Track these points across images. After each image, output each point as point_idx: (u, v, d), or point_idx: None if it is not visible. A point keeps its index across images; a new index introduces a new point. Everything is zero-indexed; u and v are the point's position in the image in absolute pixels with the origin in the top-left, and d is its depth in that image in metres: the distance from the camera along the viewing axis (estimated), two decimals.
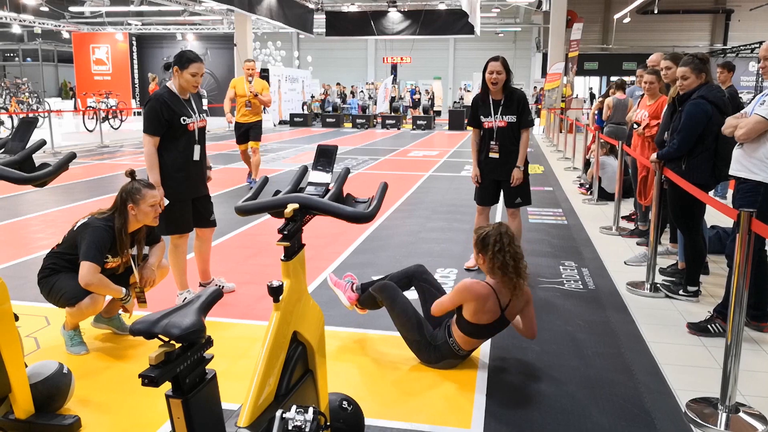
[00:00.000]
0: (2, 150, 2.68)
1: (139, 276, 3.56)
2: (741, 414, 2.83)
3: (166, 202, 3.88)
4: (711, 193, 5.01)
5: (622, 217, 6.76)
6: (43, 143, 2.85)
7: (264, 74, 23.04)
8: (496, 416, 2.83)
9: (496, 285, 3.19)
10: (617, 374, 3.26)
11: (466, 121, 21.31)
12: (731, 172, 3.73)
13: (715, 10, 32.12)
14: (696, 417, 2.83)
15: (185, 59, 3.86)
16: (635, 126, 5.82)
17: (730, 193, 7.23)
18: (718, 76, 7.03)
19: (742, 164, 3.62)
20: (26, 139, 2.72)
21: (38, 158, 2.70)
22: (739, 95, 7.40)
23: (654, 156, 4.56)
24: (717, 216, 5.78)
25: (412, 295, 3.55)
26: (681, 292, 4.45)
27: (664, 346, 3.64)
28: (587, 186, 9.18)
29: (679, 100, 4.39)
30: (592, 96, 31.17)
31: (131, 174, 3.45)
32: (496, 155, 4.77)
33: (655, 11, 26.83)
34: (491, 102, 4.75)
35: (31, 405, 2.60)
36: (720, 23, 32.40)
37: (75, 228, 3.41)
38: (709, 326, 3.82)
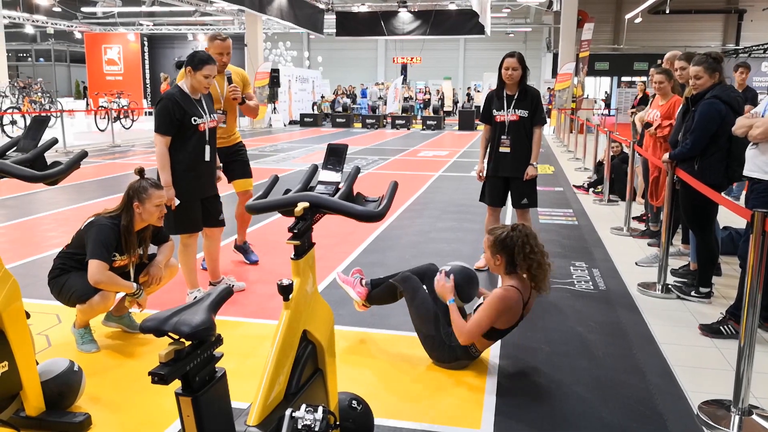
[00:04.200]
0: (14, 148, 2.70)
1: (145, 274, 3.57)
2: (754, 416, 2.80)
3: (178, 201, 3.89)
4: (728, 195, 4.93)
5: (633, 218, 6.72)
6: (54, 142, 2.86)
7: (274, 74, 23.05)
8: (507, 417, 2.82)
9: (519, 285, 3.19)
10: (628, 375, 3.23)
11: (477, 122, 21.30)
12: (745, 172, 3.69)
13: (727, 10, 31.90)
14: (708, 419, 2.80)
15: (198, 60, 3.86)
16: (647, 126, 5.78)
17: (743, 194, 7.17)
18: (743, 77, 7.00)
19: (756, 165, 3.58)
20: (38, 137, 2.73)
21: (50, 157, 2.71)
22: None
23: (666, 156, 4.52)
24: (729, 217, 5.73)
25: None
26: (693, 293, 4.41)
27: (675, 347, 3.61)
28: (586, 186, 9.19)
29: (692, 100, 4.36)
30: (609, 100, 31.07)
31: (140, 172, 3.46)
32: (507, 149, 4.77)
33: (667, 11, 26.66)
34: (505, 96, 4.76)
35: (42, 402, 2.61)
36: (732, 23, 32.18)
37: (82, 227, 3.42)
38: (721, 328, 3.78)
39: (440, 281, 3.33)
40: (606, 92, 36.15)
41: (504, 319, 3.16)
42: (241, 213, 5.06)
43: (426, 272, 3.60)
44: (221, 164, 4.35)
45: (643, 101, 13.61)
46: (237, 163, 4.90)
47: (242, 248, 5.15)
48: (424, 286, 3.55)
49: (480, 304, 3.26)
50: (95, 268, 3.24)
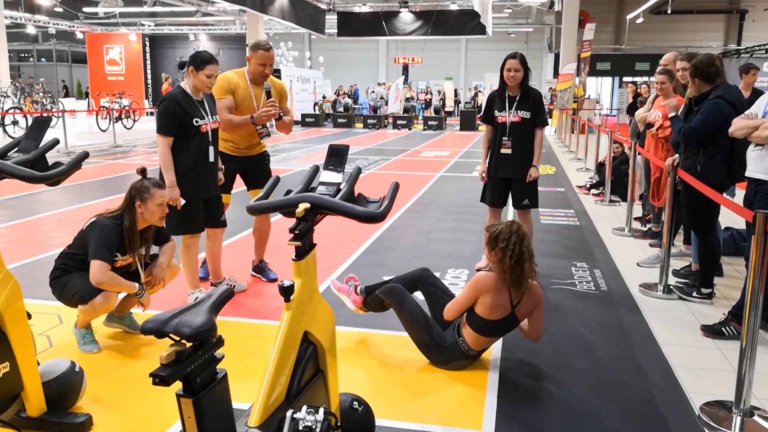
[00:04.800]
0: (16, 149, 2.70)
1: (148, 274, 3.57)
2: (756, 417, 2.80)
3: (183, 201, 3.89)
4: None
5: (635, 218, 6.71)
6: (56, 142, 2.87)
7: (276, 74, 23.01)
8: (508, 417, 2.82)
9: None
10: (630, 376, 3.23)
11: (478, 121, 21.31)
12: (749, 173, 3.69)
13: (729, 10, 31.86)
14: (710, 420, 2.80)
15: (201, 60, 3.85)
16: (649, 126, 5.77)
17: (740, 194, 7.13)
18: (753, 78, 6.86)
19: (763, 166, 3.58)
20: (39, 138, 2.73)
21: (51, 158, 2.71)
22: None
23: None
24: (731, 217, 5.73)
25: (418, 296, 3.54)
26: (695, 294, 4.40)
27: (677, 348, 3.61)
28: (588, 186, 9.18)
29: (695, 100, 4.35)
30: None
31: (142, 172, 3.46)
32: (509, 151, 4.77)
33: (669, 11, 26.64)
34: (507, 97, 4.76)
35: (43, 403, 2.61)
36: (734, 23, 32.13)
37: (84, 228, 3.42)
38: (723, 329, 3.78)
39: None
40: (597, 93, 36.08)
41: (486, 304, 3.14)
42: (259, 227, 4.75)
43: (419, 279, 3.58)
44: (222, 166, 4.34)
45: (636, 103, 13.61)
46: (260, 172, 4.65)
47: (260, 267, 4.83)
48: (419, 292, 3.54)
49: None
50: (97, 269, 3.24)
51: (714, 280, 4.46)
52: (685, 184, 4.32)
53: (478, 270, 5.01)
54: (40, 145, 2.69)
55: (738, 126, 3.68)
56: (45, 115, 3.45)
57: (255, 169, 4.65)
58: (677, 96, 5.49)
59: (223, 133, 4.37)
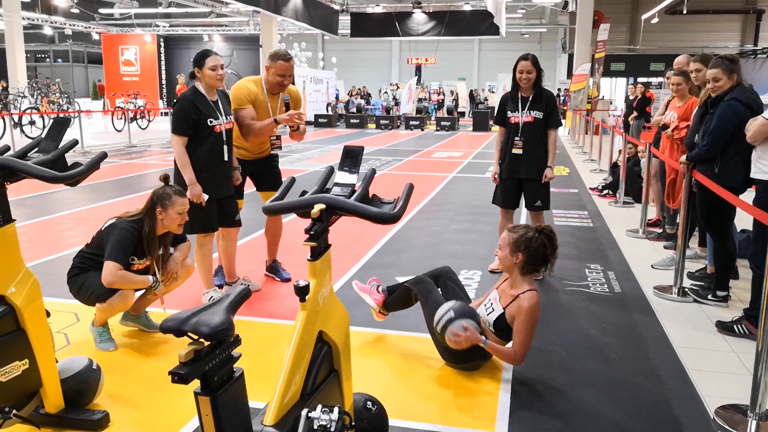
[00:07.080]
0: (36, 149, 2.74)
1: (163, 270, 3.60)
2: None
3: (206, 197, 3.92)
4: None
5: (648, 221, 6.66)
6: (75, 143, 2.90)
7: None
8: (521, 419, 2.82)
9: (535, 285, 3.23)
10: (644, 379, 3.22)
11: (491, 122, 21.26)
12: (752, 174, 3.75)
13: (745, 10, 31.53)
14: (725, 424, 2.78)
15: (199, 57, 3.95)
16: (664, 128, 5.74)
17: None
18: None
19: (756, 166, 3.72)
20: (59, 138, 2.77)
21: (68, 157, 2.75)
22: None
23: (684, 158, 4.51)
24: (747, 219, 5.67)
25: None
26: (710, 296, 4.38)
27: (692, 351, 3.59)
28: (600, 188, 9.15)
29: (711, 102, 4.32)
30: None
31: (165, 179, 3.50)
32: (520, 151, 4.77)
33: (684, 11, 26.40)
34: (519, 98, 4.77)
35: (61, 400, 2.65)
36: (750, 23, 31.80)
37: (103, 228, 3.47)
38: (735, 326, 3.81)
39: (462, 335, 3.07)
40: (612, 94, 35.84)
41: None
42: (271, 228, 4.79)
43: (440, 274, 3.63)
44: (238, 166, 4.37)
45: (643, 103, 13.50)
46: (270, 174, 4.67)
47: (273, 267, 4.85)
48: (439, 289, 3.56)
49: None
50: (108, 270, 3.28)
51: (729, 283, 4.43)
52: (701, 186, 4.29)
53: (491, 271, 5.00)
54: (60, 146, 2.73)
55: (747, 128, 3.74)
56: (64, 115, 3.49)
57: (265, 172, 4.66)
58: (692, 97, 5.47)
59: (237, 141, 4.37)
